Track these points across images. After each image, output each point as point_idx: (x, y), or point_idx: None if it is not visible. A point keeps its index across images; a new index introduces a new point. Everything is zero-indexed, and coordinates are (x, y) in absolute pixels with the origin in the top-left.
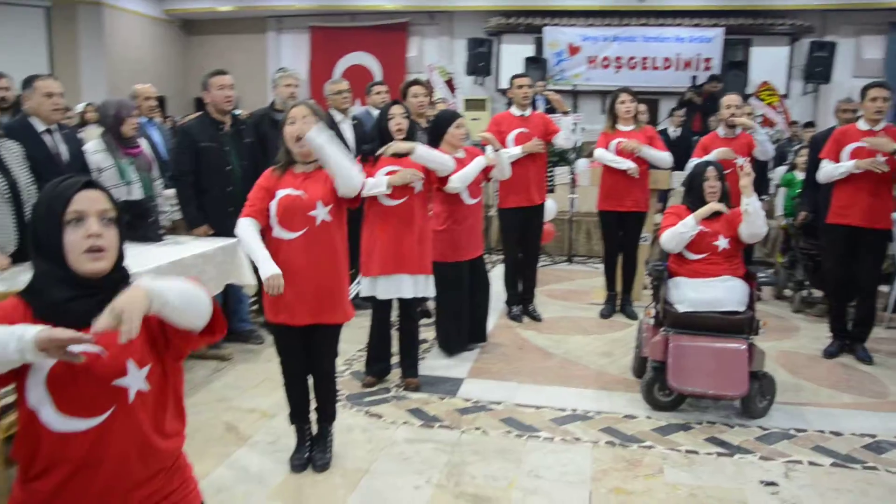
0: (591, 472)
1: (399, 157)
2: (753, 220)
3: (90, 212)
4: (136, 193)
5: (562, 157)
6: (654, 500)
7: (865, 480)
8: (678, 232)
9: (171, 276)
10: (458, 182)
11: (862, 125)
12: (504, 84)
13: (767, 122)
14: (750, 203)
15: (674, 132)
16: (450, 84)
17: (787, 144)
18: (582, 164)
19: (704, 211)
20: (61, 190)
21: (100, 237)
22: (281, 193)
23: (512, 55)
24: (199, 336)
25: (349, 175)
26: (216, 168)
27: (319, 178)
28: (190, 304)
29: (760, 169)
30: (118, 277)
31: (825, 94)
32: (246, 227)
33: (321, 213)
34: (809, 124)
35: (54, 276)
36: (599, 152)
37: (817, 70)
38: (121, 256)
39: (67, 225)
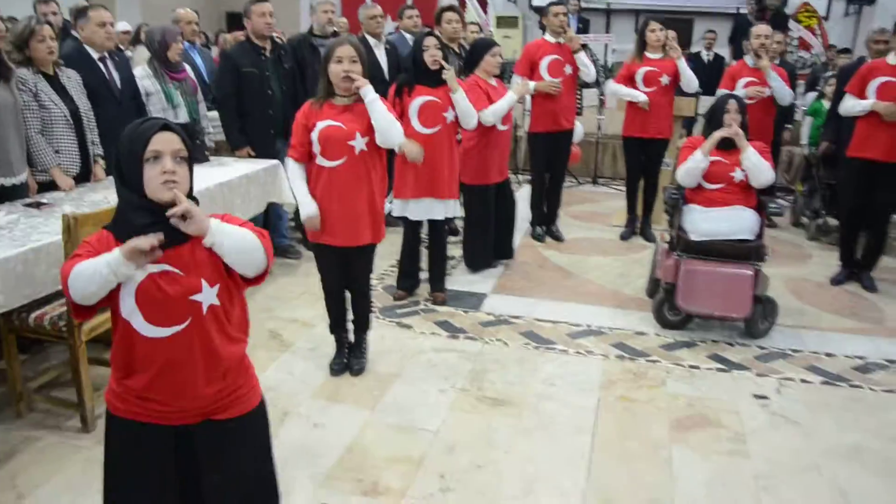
0: (601, 381)
1: (433, 87)
2: (754, 173)
3: (166, 151)
4: (183, 117)
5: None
6: (654, 408)
7: (850, 397)
8: (690, 167)
9: (224, 202)
10: (492, 116)
11: (892, 59)
12: (537, 2)
13: (804, 45)
14: (747, 157)
15: (707, 55)
16: (482, 1)
17: (821, 69)
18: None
19: (710, 142)
20: (142, 131)
21: (174, 173)
22: (322, 125)
23: None
24: (246, 280)
25: (390, 133)
26: (257, 92)
27: (358, 110)
28: (243, 254)
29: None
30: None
31: (868, 17)
32: (293, 169)
33: (359, 143)
34: (845, 50)
35: (136, 204)
36: (612, 87)
37: None
38: (191, 189)
39: (146, 162)
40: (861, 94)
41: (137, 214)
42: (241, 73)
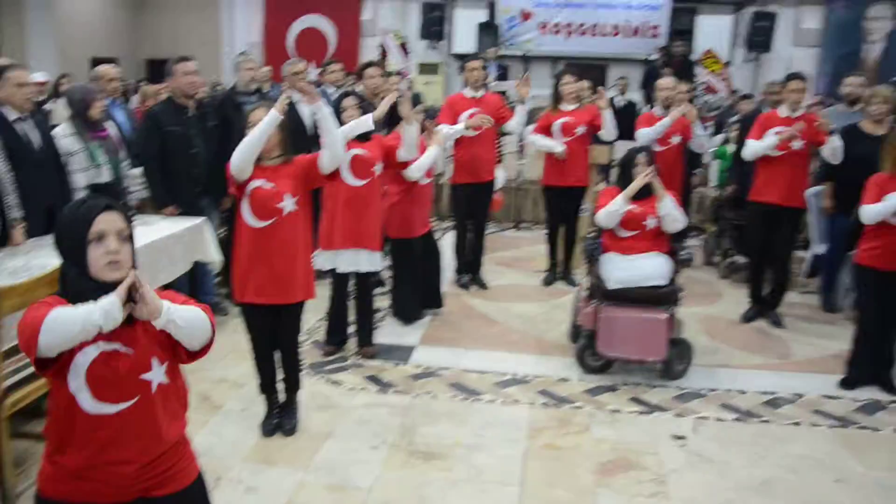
0: (527, 430)
1: (362, 141)
2: (669, 221)
3: (110, 231)
4: (106, 176)
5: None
6: (580, 454)
7: (759, 432)
8: (610, 211)
9: (151, 262)
10: (417, 171)
11: (783, 111)
12: (457, 49)
13: (710, 90)
14: (663, 206)
15: (620, 100)
16: (404, 48)
17: (727, 113)
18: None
19: (631, 189)
20: (84, 212)
21: (118, 252)
22: (253, 185)
23: (465, 20)
24: (189, 355)
25: (338, 151)
26: (182, 151)
27: (287, 171)
28: (194, 331)
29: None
30: None
31: (766, 63)
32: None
33: (288, 204)
34: (747, 96)
35: (81, 284)
36: (532, 138)
37: (758, 39)
38: (134, 265)
39: (90, 243)
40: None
41: (82, 295)
42: (164, 133)
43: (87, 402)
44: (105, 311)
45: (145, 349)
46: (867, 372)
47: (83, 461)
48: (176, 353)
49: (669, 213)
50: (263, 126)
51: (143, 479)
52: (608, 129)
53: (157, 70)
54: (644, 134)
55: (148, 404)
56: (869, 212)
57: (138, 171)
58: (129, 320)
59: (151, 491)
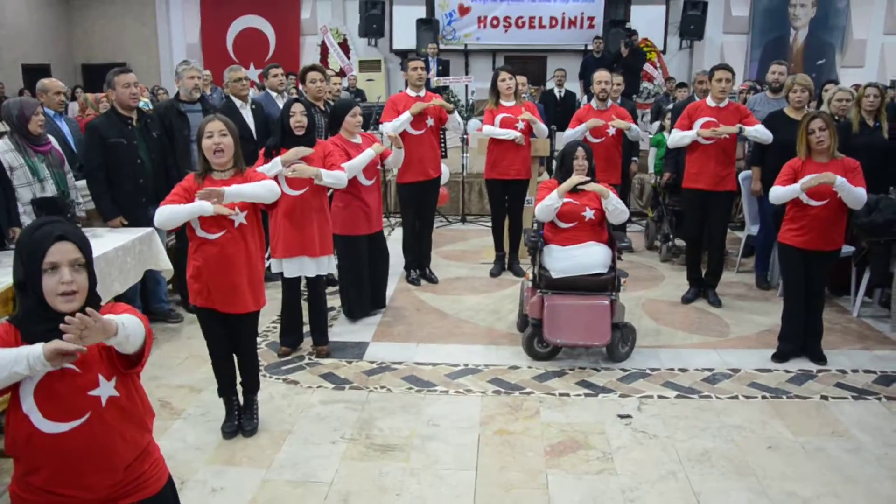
0: (480, 417)
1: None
2: (616, 215)
3: (63, 262)
4: (50, 189)
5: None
6: (530, 437)
7: (699, 407)
8: (546, 205)
9: (102, 275)
10: (349, 171)
11: (710, 102)
12: (398, 45)
13: (647, 77)
14: (609, 202)
15: (558, 91)
16: (344, 46)
17: (663, 100)
18: (473, 125)
19: (565, 186)
20: (38, 240)
21: (72, 283)
22: None
23: (404, 16)
24: (130, 364)
25: (268, 196)
26: (126, 162)
27: (237, 182)
28: (136, 340)
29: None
30: (89, 305)
31: (699, 50)
32: (167, 205)
33: (239, 217)
34: (682, 84)
35: (36, 312)
36: (487, 129)
37: (691, 27)
38: (92, 292)
39: (44, 273)
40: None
41: (38, 324)
42: (108, 145)
43: (40, 422)
44: (30, 363)
45: (90, 366)
46: (797, 345)
47: (47, 477)
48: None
49: (615, 208)
50: (191, 208)
51: (110, 490)
52: (539, 129)
53: (93, 76)
54: (567, 136)
55: (100, 419)
56: (774, 192)
57: (83, 182)
58: None
59: (121, 500)
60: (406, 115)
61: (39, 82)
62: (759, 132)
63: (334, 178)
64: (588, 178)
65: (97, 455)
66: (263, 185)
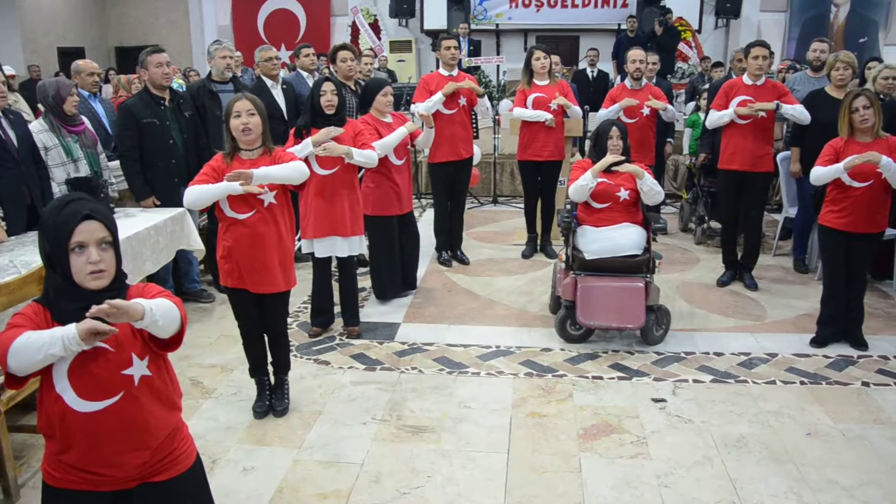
0: (512, 400)
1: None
2: (651, 196)
3: (90, 241)
4: (84, 170)
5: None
6: (563, 420)
7: (736, 392)
8: (580, 185)
9: (134, 254)
10: (380, 150)
11: (747, 80)
12: (428, 25)
13: (682, 57)
14: (644, 183)
15: (591, 72)
16: (374, 26)
17: (699, 80)
18: (505, 105)
19: (600, 166)
20: (64, 220)
21: (100, 262)
22: None
23: None
24: (159, 346)
25: (296, 178)
26: (159, 142)
27: (265, 163)
28: (169, 326)
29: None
30: (117, 286)
31: (735, 29)
32: (196, 185)
33: (268, 196)
34: (718, 64)
35: (65, 290)
36: (518, 111)
37: (727, 5)
38: (119, 269)
39: (72, 252)
40: (726, 109)
41: (67, 300)
42: (141, 125)
43: (74, 401)
44: (65, 344)
45: (124, 346)
46: (836, 330)
47: (80, 455)
48: (155, 344)
49: (650, 188)
50: (220, 188)
51: (142, 468)
52: (572, 112)
53: (126, 58)
54: (600, 116)
55: (133, 398)
56: (815, 173)
57: (116, 163)
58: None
59: (153, 476)
60: (438, 96)
61: (73, 64)
62: (796, 111)
63: (365, 157)
64: (623, 158)
65: (129, 433)
66: (292, 166)
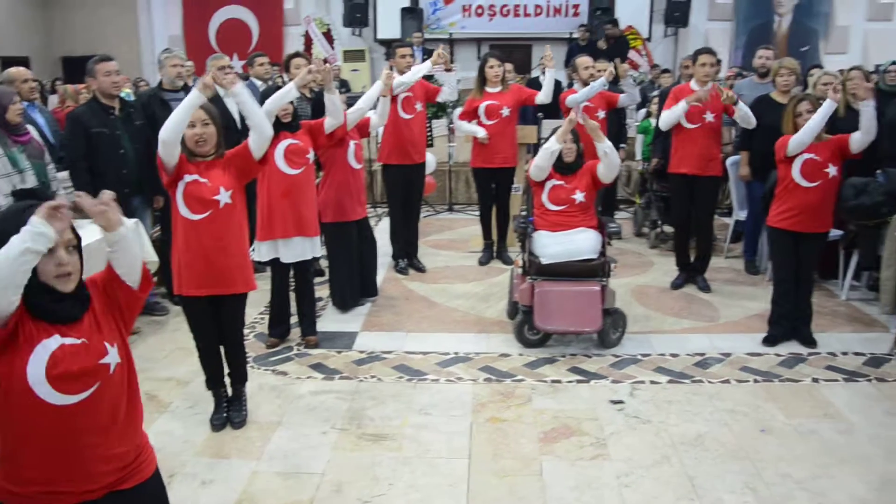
0: (472, 405)
1: (292, 132)
2: (611, 159)
3: (59, 243)
4: (31, 181)
5: (440, 109)
6: (523, 424)
7: (692, 391)
8: (546, 150)
9: (86, 267)
10: (363, 103)
11: (694, 86)
12: (382, 34)
13: (633, 65)
14: (604, 145)
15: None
16: (328, 36)
17: (649, 87)
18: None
19: (564, 129)
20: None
21: (67, 264)
22: (187, 179)
23: (388, 5)
24: (137, 292)
25: (260, 124)
26: (109, 152)
27: (220, 165)
28: (133, 260)
29: (618, 119)
30: (82, 284)
31: (683, 38)
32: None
33: (224, 197)
34: (665, 71)
35: (35, 287)
36: (458, 123)
37: (676, 14)
38: (81, 271)
39: None
40: None
41: (39, 294)
42: (90, 134)
43: (49, 395)
44: (31, 232)
45: (97, 335)
46: (787, 328)
47: (49, 454)
48: (122, 311)
49: (609, 154)
50: (187, 103)
51: (110, 472)
52: (545, 91)
53: (73, 68)
54: (573, 99)
55: (109, 387)
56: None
57: (64, 174)
58: (79, 315)
59: (119, 485)
60: (415, 76)
61: (4, 73)
62: (745, 111)
63: (335, 104)
64: (585, 116)
65: (103, 425)
66: (264, 117)
